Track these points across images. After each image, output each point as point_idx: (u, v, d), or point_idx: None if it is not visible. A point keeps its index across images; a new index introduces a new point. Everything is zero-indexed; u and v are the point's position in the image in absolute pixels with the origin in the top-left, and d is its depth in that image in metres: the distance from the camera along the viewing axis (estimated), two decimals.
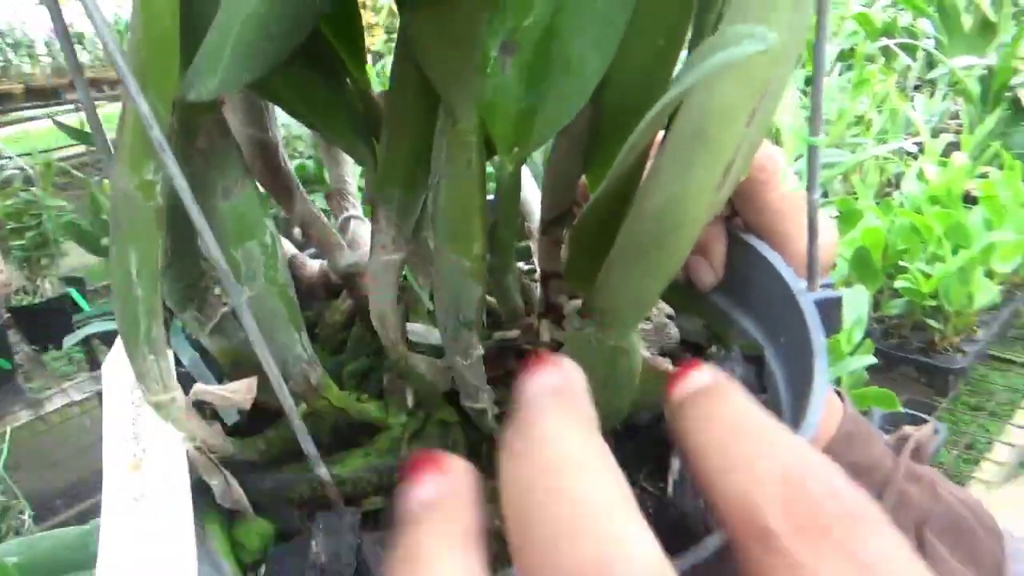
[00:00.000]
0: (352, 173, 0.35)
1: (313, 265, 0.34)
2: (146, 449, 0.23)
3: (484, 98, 0.21)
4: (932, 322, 1.29)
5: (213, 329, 0.27)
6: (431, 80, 0.22)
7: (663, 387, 0.27)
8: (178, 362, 0.28)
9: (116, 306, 0.22)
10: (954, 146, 1.59)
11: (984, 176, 1.36)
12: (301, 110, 0.26)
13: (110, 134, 0.22)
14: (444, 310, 0.24)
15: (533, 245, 0.34)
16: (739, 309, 0.31)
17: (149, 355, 0.22)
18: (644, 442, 0.27)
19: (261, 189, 0.31)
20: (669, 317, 0.32)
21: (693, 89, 0.19)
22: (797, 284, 0.27)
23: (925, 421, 1.04)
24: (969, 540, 0.37)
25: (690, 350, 0.32)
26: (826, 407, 0.37)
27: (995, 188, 1.28)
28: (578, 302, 0.30)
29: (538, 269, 0.30)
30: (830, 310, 0.26)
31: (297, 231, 0.34)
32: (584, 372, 0.24)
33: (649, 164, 0.21)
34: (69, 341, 1.24)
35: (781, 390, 0.27)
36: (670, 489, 0.24)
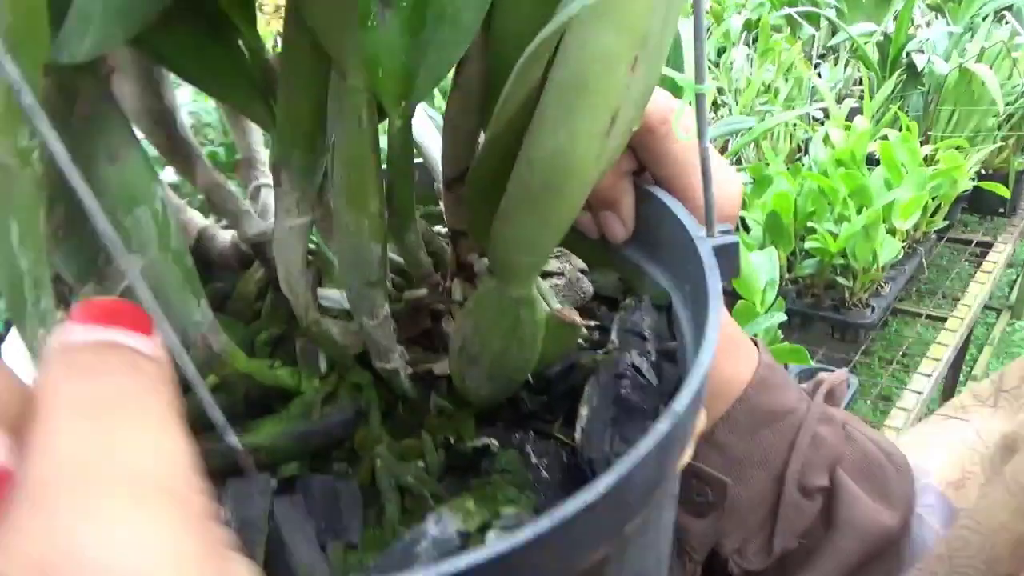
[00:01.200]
0: (260, 141, 0.34)
1: (225, 236, 0.34)
2: None
3: (368, 53, 0.20)
4: (842, 280, 1.34)
5: None
6: (317, 38, 0.22)
7: (571, 338, 0.28)
8: None
9: (1, 283, 0.21)
10: (857, 111, 1.66)
11: (885, 138, 1.42)
12: (193, 72, 0.26)
13: None
14: (347, 270, 0.24)
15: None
16: (649, 260, 0.32)
17: (39, 328, 0.21)
18: (555, 394, 0.27)
19: (159, 157, 0.30)
20: (583, 272, 0.33)
21: (571, 37, 0.20)
22: (697, 232, 0.28)
23: None
24: (881, 478, 0.39)
25: (604, 304, 0.33)
26: (743, 354, 0.38)
27: (893, 149, 1.34)
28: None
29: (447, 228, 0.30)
30: (727, 254, 0.27)
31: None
32: (490, 326, 0.25)
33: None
34: None
35: (687, 335, 0.28)
36: (578, 436, 0.25)
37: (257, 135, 0.34)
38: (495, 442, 0.25)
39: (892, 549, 0.37)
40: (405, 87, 0.21)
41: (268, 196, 0.33)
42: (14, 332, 0.27)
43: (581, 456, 0.24)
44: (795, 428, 0.37)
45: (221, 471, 0.26)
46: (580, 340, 0.29)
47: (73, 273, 0.26)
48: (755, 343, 0.39)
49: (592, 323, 0.31)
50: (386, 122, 0.25)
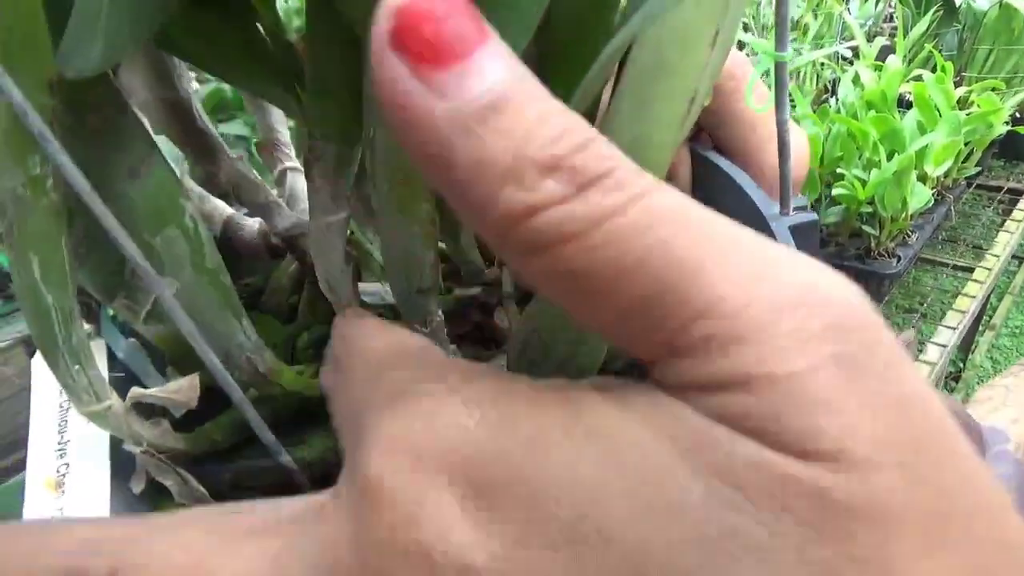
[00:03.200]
0: (283, 121, 0.32)
1: (252, 225, 0.32)
2: (70, 464, 0.21)
3: None
4: (868, 228, 1.30)
5: (147, 316, 0.25)
6: (348, 18, 0.19)
7: None
8: (113, 355, 0.26)
9: (27, 317, 0.19)
10: (889, 50, 1.57)
11: (918, 79, 1.34)
12: (209, 62, 0.23)
13: None
14: (396, 277, 0.22)
15: None
16: None
17: (73, 365, 0.20)
18: None
19: (177, 156, 0.28)
20: None
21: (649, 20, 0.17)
22: (769, 209, 0.25)
23: None
24: None
25: None
26: None
27: (927, 91, 1.27)
28: None
29: None
30: (806, 234, 0.25)
31: None
32: (555, 328, 0.23)
33: (603, 105, 0.19)
34: None
35: None
36: None
37: (278, 114, 0.31)
38: None
39: None
40: None
41: (295, 180, 0.31)
42: None
43: None
44: None
45: (273, 488, 0.25)
46: None
47: (99, 289, 0.24)
48: None
49: None
50: None
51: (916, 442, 0.10)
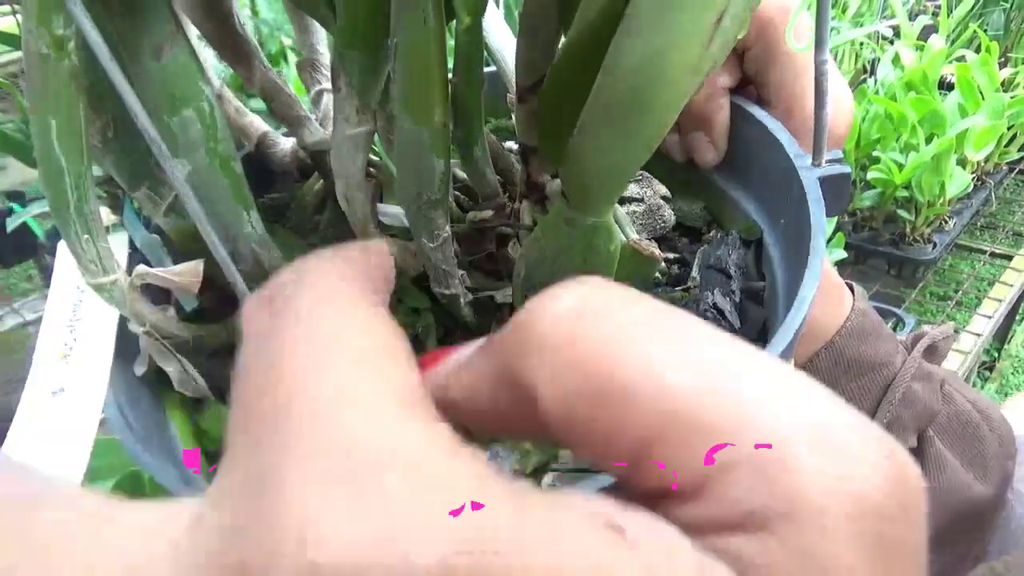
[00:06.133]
0: (323, 41, 0.32)
1: (286, 144, 0.32)
2: (78, 339, 0.22)
3: None
4: (903, 213, 1.25)
5: (168, 208, 0.25)
6: None
7: (648, 272, 0.25)
8: (135, 248, 0.26)
9: (43, 182, 0.20)
10: (931, 29, 1.50)
11: (961, 59, 1.28)
12: None
13: None
14: (406, 186, 0.22)
15: None
16: (740, 188, 0.29)
17: (83, 233, 0.20)
18: None
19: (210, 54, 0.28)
20: (664, 199, 0.30)
21: None
22: (801, 159, 0.24)
23: (894, 314, 1.01)
24: (976, 444, 0.35)
25: (686, 235, 0.30)
26: (834, 298, 0.35)
27: (970, 72, 1.20)
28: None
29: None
30: (837, 186, 0.24)
31: None
32: (559, 255, 0.22)
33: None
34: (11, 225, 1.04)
35: (778, 276, 0.25)
36: None
37: (320, 34, 0.32)
38: None
39: (978, 523, 0.34)
40: None
41: (331, 102, 0.31)
42: None
43: None
44: (885, 383, 0.34)
45: None
46: (658, 274, 0.27)
47: (124, 176, 0.24)
48: (850, 288, 0.35)
49: (671, 256, 0.28)
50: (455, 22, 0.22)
51: None
